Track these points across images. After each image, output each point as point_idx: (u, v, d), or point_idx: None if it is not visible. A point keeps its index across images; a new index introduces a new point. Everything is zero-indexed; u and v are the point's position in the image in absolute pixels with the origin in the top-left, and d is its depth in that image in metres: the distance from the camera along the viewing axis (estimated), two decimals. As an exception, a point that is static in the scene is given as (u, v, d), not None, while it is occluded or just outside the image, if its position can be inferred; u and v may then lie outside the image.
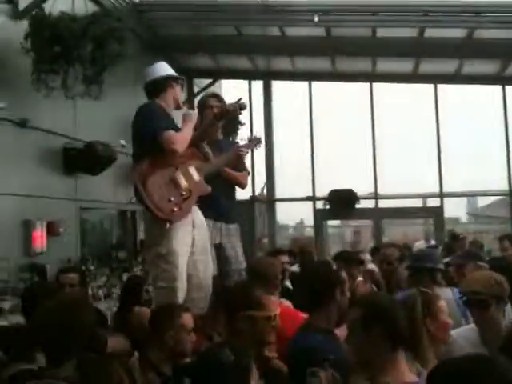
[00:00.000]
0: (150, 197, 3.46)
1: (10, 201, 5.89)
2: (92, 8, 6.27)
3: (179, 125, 3.68)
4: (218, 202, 4.00)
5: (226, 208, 4.11)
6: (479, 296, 2.85)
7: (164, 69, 3.83)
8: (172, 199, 3.49)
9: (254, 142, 4.19)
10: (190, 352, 2.89)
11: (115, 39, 5.49)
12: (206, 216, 3.82)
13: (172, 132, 3.48)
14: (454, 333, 2.78)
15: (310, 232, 12.77)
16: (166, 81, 3.75)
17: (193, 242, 3.61)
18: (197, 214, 3.70)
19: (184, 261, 3.51)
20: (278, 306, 2.82)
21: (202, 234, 3.70)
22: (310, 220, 12.26)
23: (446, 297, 3.22)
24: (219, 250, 4.08)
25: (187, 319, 2.92)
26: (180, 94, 3.84)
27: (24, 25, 5.70)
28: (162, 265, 3.51)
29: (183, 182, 3.57)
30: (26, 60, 5.64)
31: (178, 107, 3.86)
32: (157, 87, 3.75)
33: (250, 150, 4.23)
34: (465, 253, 4.88)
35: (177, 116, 3.79)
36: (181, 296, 3.45)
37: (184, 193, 3.56)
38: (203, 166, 3.75)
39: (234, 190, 4.31)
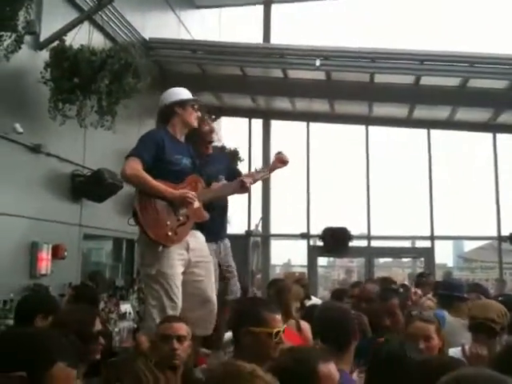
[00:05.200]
0: (146, 220, 3.58)
1: (20, 223, 6.06)
2: (108, 43, 6.62)
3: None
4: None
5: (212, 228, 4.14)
6: (492, 323, 3.07)
7: (172, 95, 3.90)
8: (168, 223, 3.60)
9: (258, 173, 4.19)
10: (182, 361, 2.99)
11: (131, 74, 5.79)
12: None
13: (135, 161, 3.55)
14: (451, 351, 3.00)
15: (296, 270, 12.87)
16: (171, 107, 3.84)
17: (188, 263, 3.71)
18: (193, 238, 3.80)
19: (175, 281, 3.60)
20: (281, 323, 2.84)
21: (200, 256, 3.81)
22: (299, 258, 12.37)
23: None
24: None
25: (166, 328, 3.03)
26: (193, 116, 3.89)
27: (44, 55, 6.02)
28: (151, 284, 3.63)
29: (181, 208, 3.68)
30: (43, 88, 5.91)
31: (191, 129, 3.94)
32: (163, 115, 3.89)
33: (254, 181, 4.15)
34: (472, 285, 5.12)
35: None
36: (172, 314, 3.52)
37: (181, 218, 3.67)
38: (204, 193, 3.85)
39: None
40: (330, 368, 2.04)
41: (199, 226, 3.90)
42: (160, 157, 3.66)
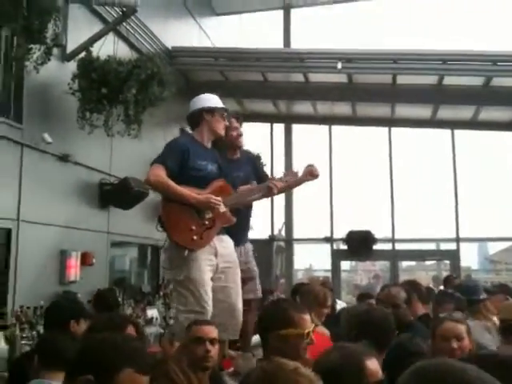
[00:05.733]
0: (171, 225, 3.61)
1: (49, 231, 6.17)
2: (133, 54, 6.73)
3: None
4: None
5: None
6: None
7: (202, 101, 3.91)
8: (193, 228, 3.61)
9: (288, 175, 4.10)
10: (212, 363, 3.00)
11: (156, 83, 5.88)
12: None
13: (159, 167, 3.58)
14: None
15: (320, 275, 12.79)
16: (200, 113, 3.85)
17: (216, 269, 3.71)
18: (221, 243, 3.79)
19: (205, 288, 3.59)
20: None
21: (228, 261, 3.79)
22: (322, 262, 12.31)
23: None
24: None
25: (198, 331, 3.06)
26: (221, 124, 3.88)
27: (70, 66, 6.15)
28: (179, 289, 3.65)
29: (206, 212, 3.69)
30: (71, 99, 6.03)
31: (218, 137, 3.93)
32: (191, 121, 3.92)
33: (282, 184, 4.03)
34: (499, 285, 5.07)
35: None
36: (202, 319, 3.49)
37: (207, 222, 3.67)
38: (231, 197, 3.83)
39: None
40: (375, 363, 2.03)
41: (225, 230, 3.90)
42: (184, 163, 3.68)
